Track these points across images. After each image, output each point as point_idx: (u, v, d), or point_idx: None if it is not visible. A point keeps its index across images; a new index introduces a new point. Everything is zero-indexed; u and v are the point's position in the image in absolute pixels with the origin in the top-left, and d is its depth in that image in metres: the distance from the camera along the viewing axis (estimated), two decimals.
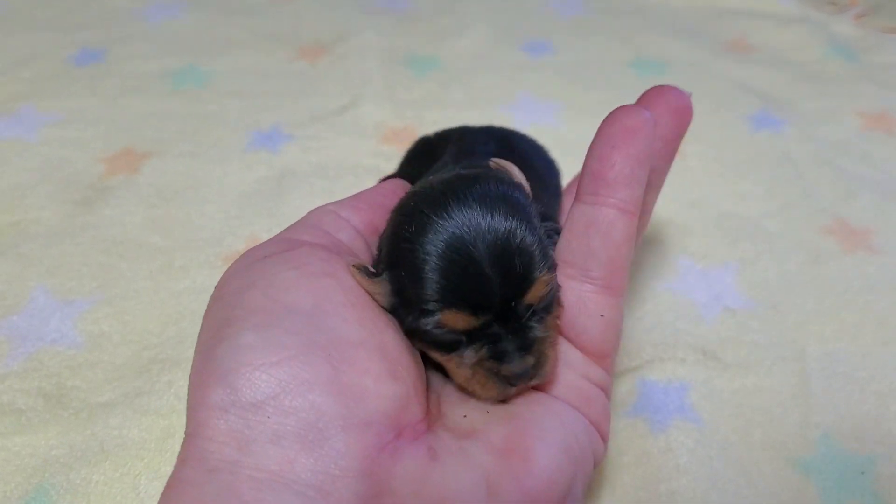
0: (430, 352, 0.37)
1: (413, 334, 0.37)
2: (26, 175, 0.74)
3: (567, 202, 0.52)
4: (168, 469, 0.49)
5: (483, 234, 0.34)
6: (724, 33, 1.03)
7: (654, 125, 0.38)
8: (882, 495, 0.50)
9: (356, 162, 0.77)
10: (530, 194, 0.40)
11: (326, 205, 0.42)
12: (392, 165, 0.76)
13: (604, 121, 0.39)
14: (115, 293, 0.62)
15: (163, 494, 0.30)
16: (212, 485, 0.29)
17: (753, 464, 0.52)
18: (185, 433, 0.32)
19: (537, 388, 0.38)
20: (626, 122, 0.38)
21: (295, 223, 0.41)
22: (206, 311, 0.36)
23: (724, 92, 0.91)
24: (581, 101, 0.89)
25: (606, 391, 0.40)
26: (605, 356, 0.40)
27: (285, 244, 0.38)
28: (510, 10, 1.08)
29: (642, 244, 0.69)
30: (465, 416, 0.37)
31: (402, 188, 0.45)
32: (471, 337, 0.36)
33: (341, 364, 0.32)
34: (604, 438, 0.40)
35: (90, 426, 0.52)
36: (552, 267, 0.36)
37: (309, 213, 0.42)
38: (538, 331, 0.36)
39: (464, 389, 0.37)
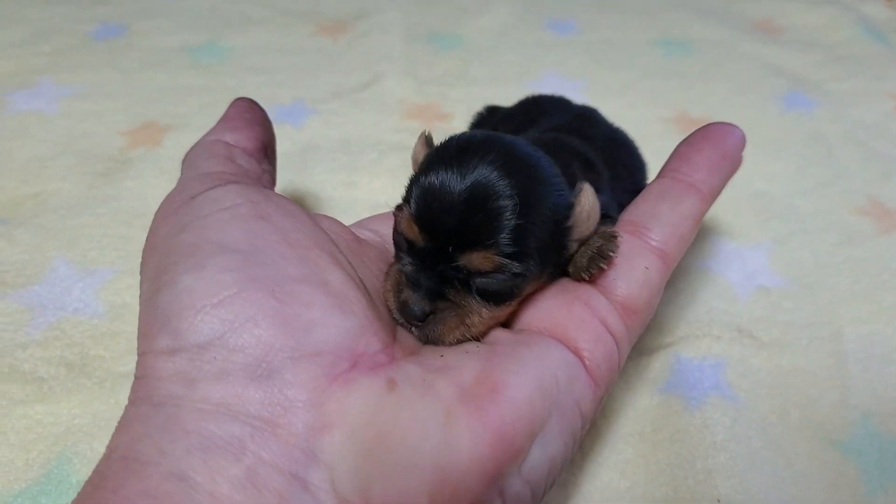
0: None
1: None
2: (46, 147, 0.73)
3: None
4: None
5: (475, 178, 0.35)
6: (752, 13, 1.02)
7: (744, 140, 0.44)
8: None
9: (379, 138, 0.76)
10: (576, 226, 0.39)
11: (208, 135, 0.44)
12: (415, 141, 0.75)
13: (702, 127, 0.44)
14: (136, 264, 0.59)
15: (113, 434, 0.31)
16: (156, 417, 0.29)
17: (791, 444, 0.51)
18: (135, 377, 0.32)
19: None
20: (721, 128, 0.44)
21: (193, 153, 0.42)
22: (142, 261, 0.36)
23: (752, 72, 0.89)
24: (607, 80, 0.87)
25: (619, 344, 0.39)
26: (634, 312, 0.39)
27: (207, 180, 0.38)
28: None
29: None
30: (441, 356, 0.35)
31: (252, 102, 0.48)
32: (410, 252, 0.37)
33: (285, 297, 0.32)
34: (597, 385, 0.37)
35: (113, 395, 0.51)
36: (519, 260, 0.35)
37: (200, 144, 0.43)
38: (460, 298, 0.37)
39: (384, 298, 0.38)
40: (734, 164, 0.44)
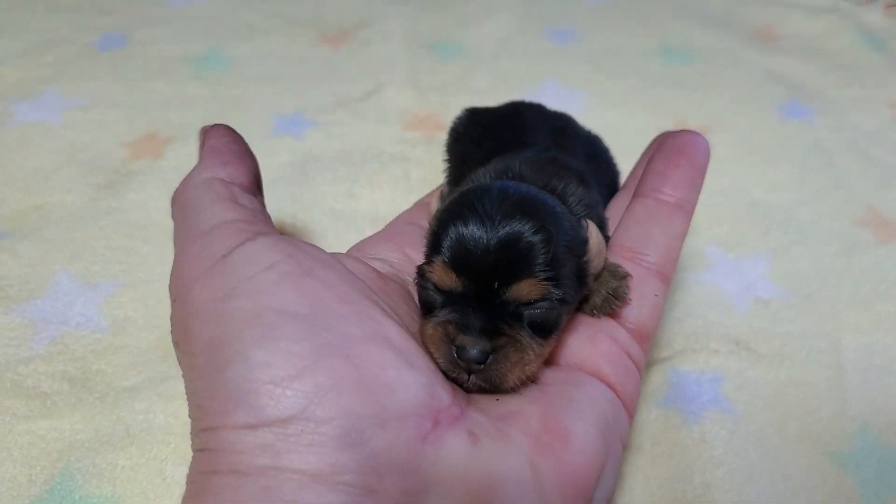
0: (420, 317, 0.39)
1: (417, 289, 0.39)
2: (50, 158, 0.73)
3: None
4: None
5: (503, 217, 0.36)
6: (752, 21, 1.02)
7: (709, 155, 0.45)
8: None
9: (380, 148, 0.76)
10: (590, 260, 0.39)
11: (200, 171, 0.41)
12: (417, 152, 0.75)
13: (664, 134, 0.45)
14: (139, 277, 0.61)
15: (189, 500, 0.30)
16: (251, 488, 0.29)
17: (790, 456, 0.51)
18: (202, 449, 0.31)
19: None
20: (691, 140, 0.45)
21: (194, 195, 0.40)
22: (183, 327, 0.34)
23: (752, 81, 0.89)
24: (608, 89, 0.88)
25: (640, 371, 0.41)
26: (646, 338, 0.41)
27: (229, 233, 0.36)
28: None
29: None
30: (497, 399, 0.36)
31: (232, 130, 0.45)
32: (448, 302, 0.37)
33: (360, 361, 0.31)
34: (630, 417, 0.40)
35: (116, 410, 0.52)
36: (558, 294, 0.36)
37: (198, 184, 0.40)
38: (515, 332, 0.36)
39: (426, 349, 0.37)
40: (704, 174, 0.46)
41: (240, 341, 0.31)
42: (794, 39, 0.98)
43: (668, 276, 0.43)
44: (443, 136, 0.77)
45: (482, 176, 0.44)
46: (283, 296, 0.33)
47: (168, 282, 0.55)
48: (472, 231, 0.36)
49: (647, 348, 0.42)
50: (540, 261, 0.35)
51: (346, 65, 0.90)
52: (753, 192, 0.73)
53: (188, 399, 0.33)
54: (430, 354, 0.36)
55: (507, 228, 0.35)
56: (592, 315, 0.41)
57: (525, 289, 0.35)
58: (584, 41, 0.97)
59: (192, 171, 0.41)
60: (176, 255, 0.37)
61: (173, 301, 0.36)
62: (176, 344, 0.35)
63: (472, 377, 0.36)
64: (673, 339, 0.58)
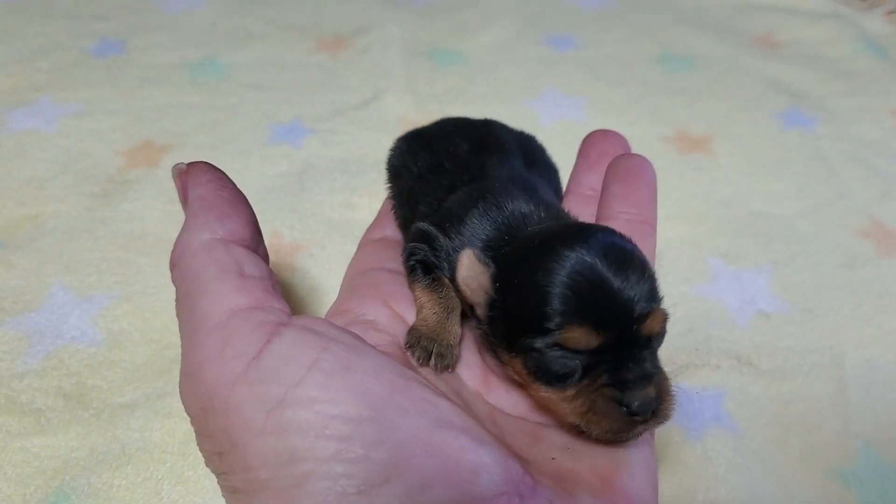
0: (533, 386, 0.36)
1: (527, 363, 0.35)
2: (44, 167, 0.72)
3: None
4: (191, 474, 0.48)
5: (614, 262, 0.34)
6: (753, 29, 1.01)
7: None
8: None
9: (378, 157, 0.75)
10: None
11: (196, 231, 0.36)
12: None
13: (615, 160, 0.47)
14: (135, 290, 0.60)
15: None
16: None
17: (792, 474, 0.51)
18: None
19: None
20: (640, 162, 0.46)
21: (195, 264, 0.36)
22: (234, 444, 0.32)
23: (753, 89, 0.89)
24: (608, 96, 0.87)
25: None
26: None
27: (252, 327, 0.34)
28: (531, 4, 1.06)
29: (671, 245, 0.68)
30: (553, 459, 0.35)
31: (213, 169, 0.39)
32: (588, 364, 0.34)
33: (435, 452, 0.31)
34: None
35: (111, 428, 0.51)
36: (666, 314, 0.36)
37: (199, 254, 0.36)
38: (658, 366, 0.35)
39: (575, 428, 0.36)
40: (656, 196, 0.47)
41: (314, 456, 0.30)
42: (795, 46, 0.98)
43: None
44: None
45: (479, 220, 0.42)
46: (340, 400, 0.31)
47: (163, 294, 0.54)
48: (599, 280, 0.34)
49: None
50: (656, 288, 0.35)
51: (345, 72, 0.89)
52: (754, 203, 0.72)
53: None
54: (591, 428, 0.35)
55: (626, 269, 0.34)
56: None
57: (656, 322, 0.35)
58: (583, 48, 0.97)
59: (187, 227, 0.37)
60: (188, 349, 0.34)
61: (201, 409, 0.33)
62: (219, 454, 0.32)
63: (643, 427, 0.35)
64: (675, 355, 0.58)
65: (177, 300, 0.36)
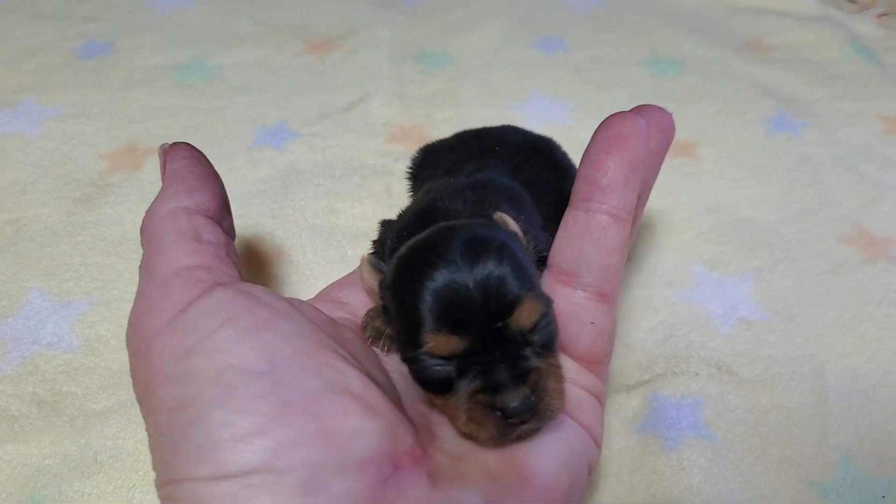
0: (433, 398, 0.37)
1: (413, 374, 0.36)
2: (26, 171, 0.72)
3: None
4: None
5: (467, 262, 0.34)
6: (742, 32, 1.01)
7: (648, 132, 0.38)
8: None
9: (363, 162, 0.75)
10: (526, 242, 0.39)
11: (165, 200, 0.40)
12: (399, 166, 0.74)
13: (598, 127, 0.39)
14: (113, 295, 0.60)
15: None
16: None
17: (769, 485, 0.50)
18: (167, 498, 0.32)
19: None
20: (620, 129, 0.38)
21: (156, 228, 0.40)
22: (140, 388, 0.35)
23: (741, 92, 0.88)
24: (596, 100, 0.87)
25: (599, 397, 0.40)
26: (597, 363, 0.40)
27: (188, 284, 0.36)
28: (523, 5, 1.05)
29: (654, 251, 0.67)
30: (452, 437, 0.36)
31: (193, 150, 0.44)
32: (461, 369, 0.35)
33: (320, 413, 0.32)
34: (597, 443, 0.39)
35: (85, 435, 0.51)
36: (545, 303, 0.35)
37: (162, 216, 0.40)
38: (535, 361, 0.35)
39: (466, 436, 0.36)
40: (641, 168, 0.39)
41: (201, 402, 0.32)
42: (785, 50, 0.97)
43: (609, 294, 0.39)
44: None
45: (406, 221, 0.43)
46: (241, 353, 0.33)
47: None
48: (451, 284, 0.34)
49: (600, 373, 0.41)
50: (521, 280, 0.34)
51: (332, 74, 0.89)
52: (739, 209, 0.72)
53: (151, 452, 0.33)
54: (476, 436, 0.35)
55: (480, 265, 0.34)
56: None
57: (526, 314, 0.34)
58: (574, 51, 0.96)
59: (157, 198, 0.41)
60: (135, 301, 0.37)
61: (132, 354, 0.36)
62: (138, 400, 0.35)
63: (527, 426, 0.34)
64: (654, 362, 0.57)
65: (140, 263, 0.39)
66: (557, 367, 0.36)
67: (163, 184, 0.42)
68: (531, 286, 0.35)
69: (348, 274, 0.48)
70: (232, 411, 0.31)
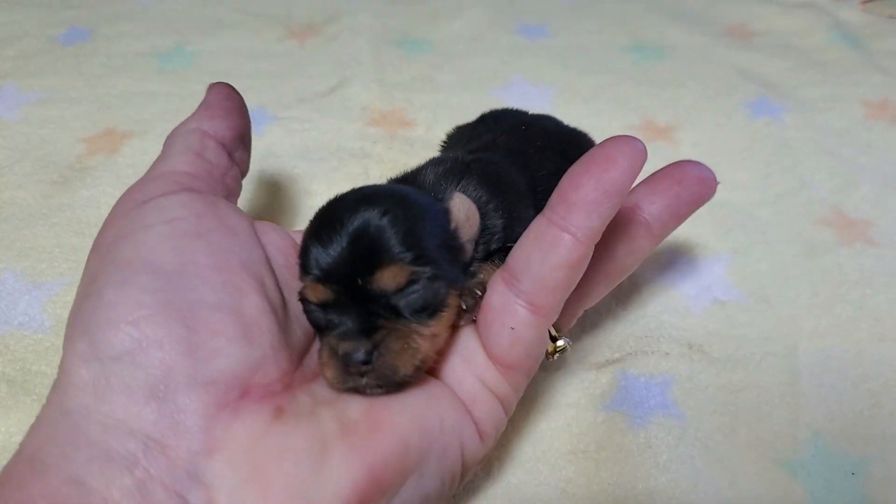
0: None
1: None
2: (4, 154, 0.72)
3: None
4: None
5: (348, 215, 0.37)
6: (725, 18, 1.01)
7: (642, 159, 0.37)
8: (873, 498, 0.49)
9: (340, 145, 0.75)
10: (460, 226, 0.40)
11: (190, 121, 0.46)
12: (377, 149, 0.74)
13: (599, 142, 0.38)
14: None
15: (27, 433, 0.34)
16: (64, 425, 0.32)
17: (738, 464, 0.50)
18: (58, 372, 0.34)
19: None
20: (609, 149, 0.37)
21: (172, 139, 0.45)
22: (87, 258, 0.38)
23: (723, 78, 0.88)
24: (577, 86, 0.87)
25: (503, 401, 0.41)
26: (511, 368, 0.40)
27: (164, 183, 0.40)
28: None
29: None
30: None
31: (231, 88, 0.50)
32: (329, 318, 0.37)
33: (194, 325, 0.34)
34: (483, 439, 0.40)
35: None
36: (426, 265, 0.37)
37: (180, 131, 0.45)
38: (393, 322, 0.37)
39: (325, 381, 0.38)
40: (620, 194, 0.37)
41: (103, 280, 0.35)
42: (768, 36, 0.97)
43: (542, 308, 0.39)
44: (405, 133, 0.77)
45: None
46: (159, 250, 0.36)
47: None
48: (323, 237, 0.37)
49: (515, 380, 0.41)
50: (393, 244, 0.36)
51: (312, 60, 0.89)
52: (717, 192, 0.71)
53: None
54: (324, 376, 0.37)
55: (354, 223, 0.36)
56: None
57: (387, 276, 0.36)
58: (556, 37, 0.96)
59: (185, 120, 0.46)
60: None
61: (98, 233, 0.40)
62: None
63: (366, 380, 0.36)
64: (624, 342, 0.57)
65: None
66: (424, 331, 0.37)
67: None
68: (410, 253, 0.36)
69: None
70: (121, 296, 0.34)
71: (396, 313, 0.37)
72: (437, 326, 0.38)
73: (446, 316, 0.39)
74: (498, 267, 0.41)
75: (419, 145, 0.75)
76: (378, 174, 0.71)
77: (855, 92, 0.87)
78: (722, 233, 0.67)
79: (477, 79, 0.87)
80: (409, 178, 0.46)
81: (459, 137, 0.61)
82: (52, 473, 0.31)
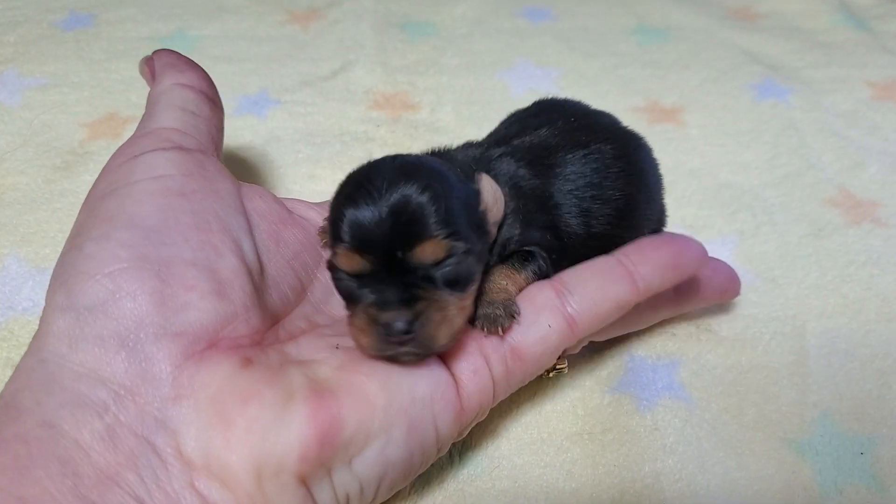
0: (345, 306, 0.40)
1: (332, 281, 0.40)
2: (6, 139, 0.72)
3: None
4: None
5: (388, 186, 0.37)
6: (731, 0, 1.00)
7: (704, 263, 0.47)
8: (882, 477, 0.48)
9: (344, 128, 0.75)
10: (488, 209, 0.41)
11: (161, 81, 0.47)
12: (381, 132, 0.74)
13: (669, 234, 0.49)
14: None
15: (7, 381, 0.35)
16: (40, 372, 0.33)
17: (745, 444, 0.50)
18: (39, 322, 0.36)
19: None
20: (689, 242, 0.46)
21: (152, 106, 0.45)
22: (78, 212, 0.40)
23: (728, 60, 0.88)
24: (581, 68, 0.86)
25: (496, 385, 0.42)
26: (522, 359, 0.42)
27: (154, 139, 0.41)
28: None
29: None
30: (310, 347, 0.39)
31: (173, 51, 0.50)
32: (364, 287, 0.38)
33: (168, 279, 0.35)
34: (464, 411, 0.40)
35: None
36: (460, 240, 0.37)
37: (158, 95, 0.46)
38: (431, 293, 0.37)
39: (358, 346, 0.38)
40: (681, 276, 0.45)
41: (86, 233, 0.37)
42: (773, 18, 0.97)
43: (578, 326, 0.42)
44: (409, 116, 0.77)
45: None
46: (143, 206, 0.37)
47: None
48: (362, 207, 0.37)
49: (516, 368, 0.42)
50: (433, 220, 0.37)
51: (315, 44, 0.88)
52: (723, 174, 0.71)
53: None
54: (360, 344, 0.38)
55: (395, 196, 0.36)
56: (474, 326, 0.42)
57: (428, 250, 0.37)
58: (560, 20, 0.95)
59: (157, 82, 0.47)
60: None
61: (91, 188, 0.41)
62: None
63: (406, 348, 0.37)
64: None
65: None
66: (457, 303, 0.38)
67: (157, 74, 0.47)
68: (448, 229, 0.37)
69: (319, 202, 0.51)
70: (100, 249, 0.35)
71: (432, 284, 0.38)
72: (467, 299, 0.39)
73: (474, 289, 0.40)
74: (514, 269, 0.43)
75: (423, 128, 0.75)
76: None
77: (861, 73, 0.86)
78: (728, 214, 0.67)
79: (481, 61, 0.86)
80: (442, 155, 0.46)
81: (511, 124, 0.58)
82: (25, 417, 0.32)
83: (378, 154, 0.70)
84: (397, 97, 0.79)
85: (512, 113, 0.60)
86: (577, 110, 0.55)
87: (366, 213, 0.36)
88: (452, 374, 0.40)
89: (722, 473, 0.48)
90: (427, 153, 0.47)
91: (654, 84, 0.83)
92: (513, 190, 0.44)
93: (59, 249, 0.59)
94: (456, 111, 0.78)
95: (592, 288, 0.43)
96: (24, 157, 0.70)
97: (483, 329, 0.41)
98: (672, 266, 0.44)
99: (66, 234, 0.61)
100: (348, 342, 0.39)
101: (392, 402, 0.37)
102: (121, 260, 0.35)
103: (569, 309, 0.42)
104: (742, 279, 0.60)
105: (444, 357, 0.40)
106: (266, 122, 0.75)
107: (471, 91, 0.81)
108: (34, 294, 0.57)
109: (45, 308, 0.36)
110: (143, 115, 0.45)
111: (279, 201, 0.45)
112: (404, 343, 0.37)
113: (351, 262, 0.37)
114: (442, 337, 0.37)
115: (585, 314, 0.42)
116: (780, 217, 0.67)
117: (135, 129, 0.71)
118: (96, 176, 0.66)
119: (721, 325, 0.57)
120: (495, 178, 0.44)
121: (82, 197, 0.64)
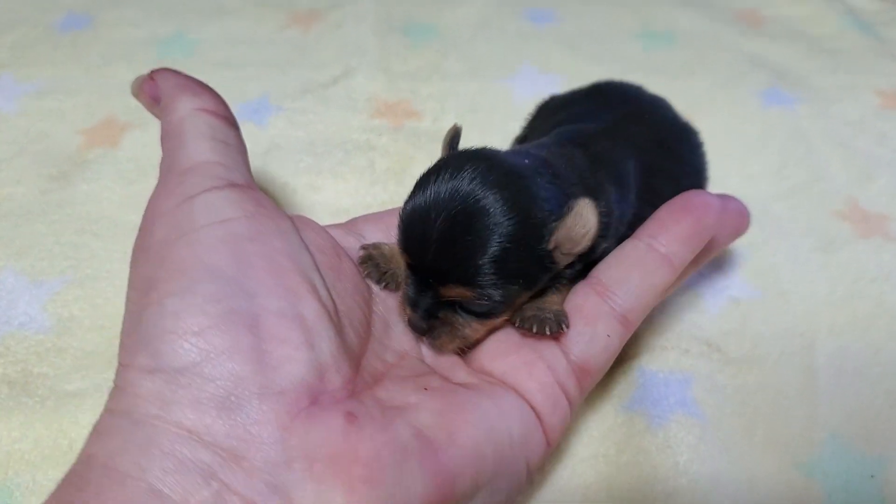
0: None
1: None
2: (2, 148, 0.70)
3: None
4: None
5: (447, 202, 0.37)
6: (736, 4, 0.99)
7: (722, 217, 0.46)
8: (892, 501, 0.48)
9: (345, 137, 0.73)
10: (565, 242, 0.39)
11: (179, 106, 0.42)
12: (383, 140, 0.73)
13: (684, 193, 0.45)
14: (87, 274, 0.59)
15: (90, 439, 0.33)
16: (136, 434, 0.31)
17: (756, 464, 0.49)
18: (114, 385, 0.34)
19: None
20: (704, 199, 0.45)
21: (180, 134, 0.41)
22: (133, 258, 0.37)
23: (734, 66, 0.86)
24: (586, 73, 0.84)
25: (573, 405, 0.42)
26: (588, 374, 0.42)
27: (202, 177, 0.39)
28: None
29: None
30: (399, 390, 0.38)
31: (174, 70, 0.46)
32: (411, 275, 0.40)
33: (260, 333, 0.34)
34: (550, 444, 0.40)
35: (56, 419, 0.49)
36: (497, 289, 0.38)
37: (181, 122, 0.42)
38: (451, 318, 0.40)
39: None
40: (706, 238, 0.45)
41: (163, 287, 0.34)
42: (780, 23, 0.95)
43: (631, 322, 0.43)
44: (411, 124, 0.76)
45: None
46: (218, 254, 0.35)
47: (116, 279, 0.54)
48: (418, 221, 0.38)
49: (587, 385, 0.42)
50: (471, 266, 0.37)
51: (316, 48, 0.87)
52: (730, 184, 0.70)
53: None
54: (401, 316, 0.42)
55: (447, 221, 0.37)
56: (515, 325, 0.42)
57: (454, 292, 0.38)
58: (564, 24, 0.94)
59: (171, 107, 0.42)
60: (155, 188, 0.40)
61: (140, 230, 0.38)
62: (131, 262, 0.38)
63: (425, 339, 0.42)
64: (641, 337, 0.56)
65: (161, 160, 0.41)
66: (475, 326, 0.41)
67: (166, 97, 0.43)
68: (486, 279, 0.37)
69: (382, 211, 0.49)
70: (184, 305, 0.33)
71: (454, 309, 0.40)
72: (486, 326, 0.41)
73: (506, 315, 0.41)
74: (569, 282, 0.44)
75: (425, 138, 0.74)
76: (384, 167, 0.70)
77: (869, 81, 0.85)
78: None
79: (484, 67, 0.85)
80: (536, 156, 0.42)
81: (559, 109, 0.60)
82: (131, 483, 0.30)
83: (381, 163, 0.70)
84: (399, 105, 0.78)
85: (553, 97, 0.63)
86: (637, 97, 0.61)
87: (418, 229, 0.38)
88: (533, 408, 0.40)
89: (733, 495, 0.47)
90: (522, 150, 0.45)
91: (660, 91, 0.82)
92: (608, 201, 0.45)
93: (56, 263, 0.60)
94: (459, 119, 0.76)
95: (636, 282, 0.43)
96: (21, 166, 0.69)
97: (531, 329, 0.40)
98: (696, 233, 0.44)
99: (63, 247, 0.61)
100: (435, 382, 0.39)
101: (497, 452, 0.37)
102: (210, 316, 0.33)
103: (618, 309, 0.43)
104: (750, 295, 0.60)
105: (524, 391, 0.40)
106: (267, 130, 0.74)
107: (473, 97, 0.80)
108: (30, 308, 0.56)
109: (123, 369, 0.34)
110: (170, 145, 0.41)
111: (325, 230, 0.43)
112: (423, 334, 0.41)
113: (402, 256, 0.40)
114: (452, 349, 0.42)
115: (636, 310, 0.43)
116: (789, 230, 0.66)
117: (133, 135, 0.72)
118: (94, 186, 0.66)
119: (730, 344, 0.56)
120: (606, 186, 0.45)
121: (79, 208, 0.64)
